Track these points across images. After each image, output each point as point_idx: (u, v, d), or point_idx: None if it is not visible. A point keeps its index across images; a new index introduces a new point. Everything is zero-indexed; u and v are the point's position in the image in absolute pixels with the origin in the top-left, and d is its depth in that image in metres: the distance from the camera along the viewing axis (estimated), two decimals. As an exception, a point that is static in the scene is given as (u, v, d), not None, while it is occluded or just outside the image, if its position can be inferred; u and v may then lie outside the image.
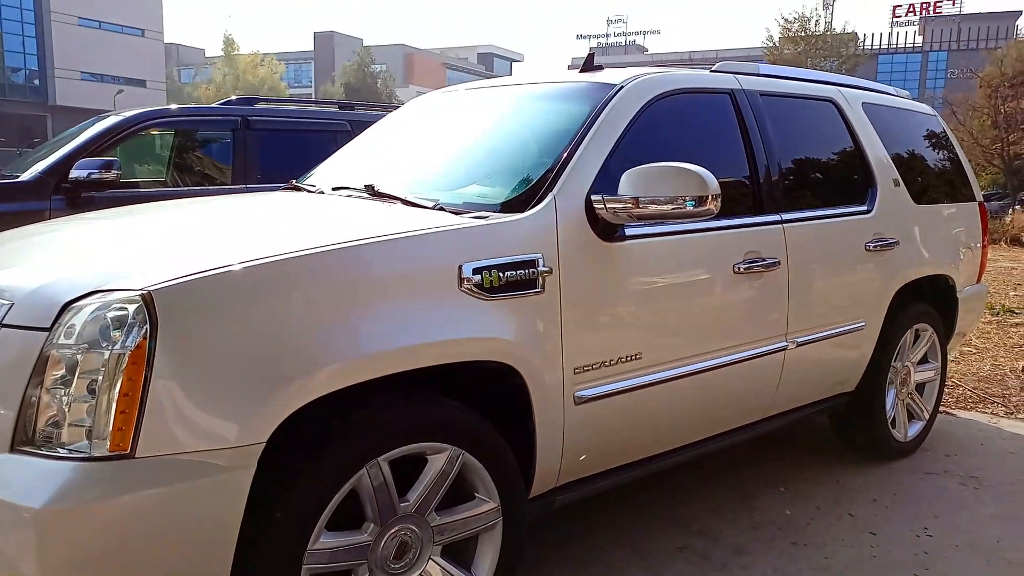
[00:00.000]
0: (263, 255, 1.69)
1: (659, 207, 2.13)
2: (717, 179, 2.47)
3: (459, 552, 2.01)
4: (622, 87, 2.48)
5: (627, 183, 2.15)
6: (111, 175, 4.11)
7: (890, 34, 70.23)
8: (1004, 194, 28.69)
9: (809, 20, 40.89)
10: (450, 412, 1.92)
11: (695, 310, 2.49)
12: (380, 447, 1.77)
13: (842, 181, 3.24)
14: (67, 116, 34.88)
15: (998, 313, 6.79)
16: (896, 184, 3.35)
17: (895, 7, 68.61)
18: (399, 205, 2.29)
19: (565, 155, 2.26)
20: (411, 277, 1.86)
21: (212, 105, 5.08)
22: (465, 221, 2.04)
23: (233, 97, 5.37)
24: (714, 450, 2.78)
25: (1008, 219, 16.00)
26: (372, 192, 2.43)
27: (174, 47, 69.17)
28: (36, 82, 45.65)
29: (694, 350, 2.48)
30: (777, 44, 42.20)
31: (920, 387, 3.66)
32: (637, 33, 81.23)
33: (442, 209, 2.16)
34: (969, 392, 4.58)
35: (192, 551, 1.56)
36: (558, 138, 2.36)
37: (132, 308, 1.52)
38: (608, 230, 2.23)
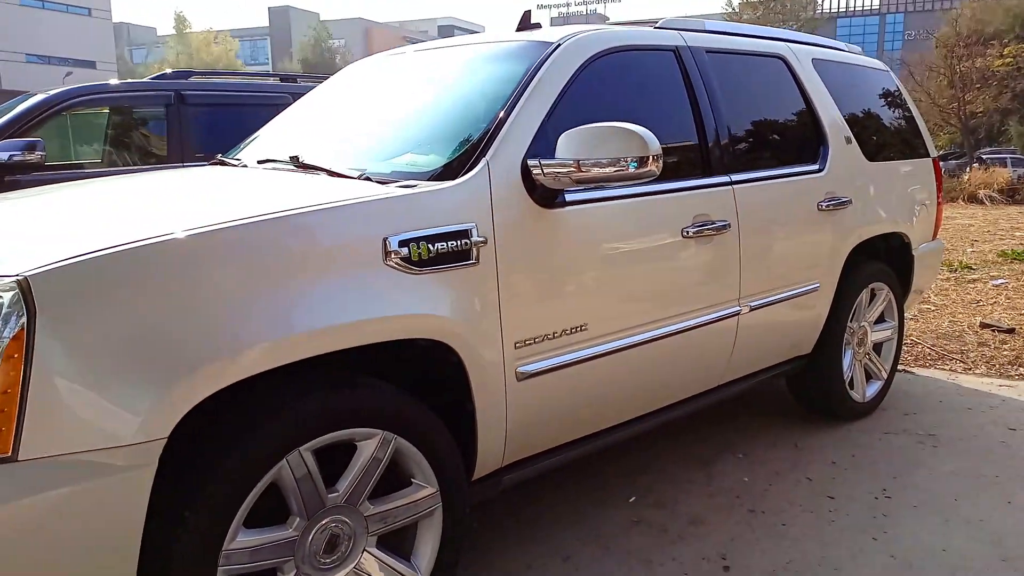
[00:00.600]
0: (159, 234, 1.54)
1: (601, 170, 2.01)
2: (662, 140, 2.37)
3: (397, 541, 1.91)
4: (559, 45, 2.35)
5: (564, 146, 2.03)
6: (35, 157, 3.87)
7: (848, -3, 70.55)
8: (961, 153, 29.13)
9: (766, -17, 40.87)
10: (379, 395, 1.80)
11: (642, 277, 2.39)
12: (300, 436, 1.65)
13: (793, 140, 3.15)
14: (13, 101, 33.58)
15: (956, 270, 6.83)
16: (848, 142, 3.28)
17: (852, -31, 68.89)
18: (323, 176, 2.15)
19: (499, 118, 2.13)
20: (329, 253, 1.72)
21: (144, 80, 4.83)
22: (390, 191, 1.90)
23: (168, 71, 5.12)
24: (669, 420, 2.70)
25: (965, 177, 16.20)
26: (297, 164, 2.29)
27: (124, 26, 67.05)
28: (-23, 66, 43.91)
29: (643, 319, 2.39)
30: (736, 9, 42.18)
31: (877, 347, 3.63)
32: (597, 1, 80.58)
33: (368, 179, 2.02)
34: (928, 350, 4.58)
35: (90, 559, 1.43)
36: (492, 101, 2.23)
37: (7, 296, 1.37)
38: (547, 196, 2.11)
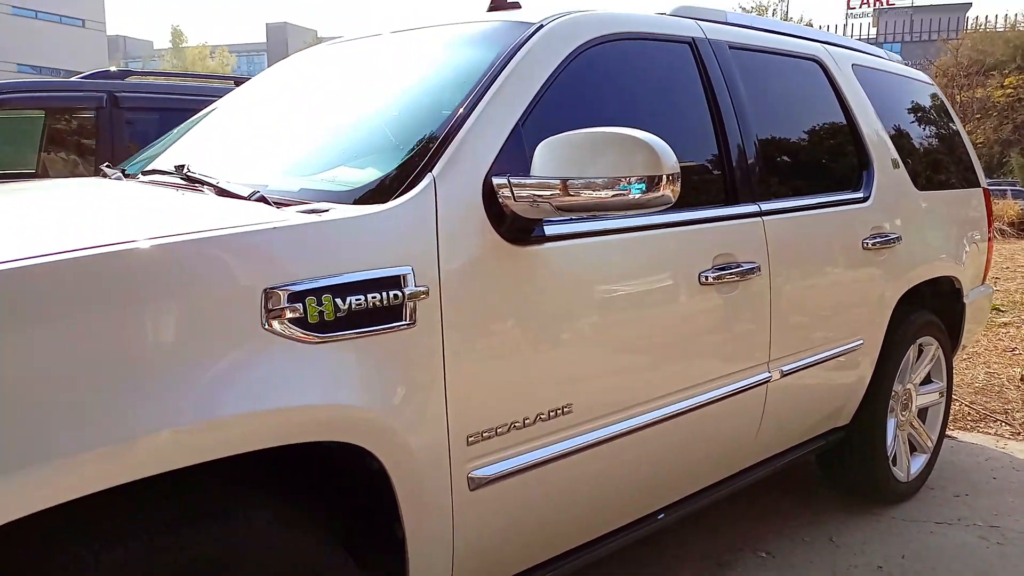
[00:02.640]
0: None
1: (594, 193, 1.41)
2: (677, 157, 1.78)
3: None
4: (541, 27, 1.76)
5: (543, 159, 1.44)
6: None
7: (845, 26, 70.97)
8: (961, 184, 28.79)
9: (767, 9, 40.83)
10: (245, 531, 1.18)
11: (647, 339, 1.78)
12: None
13: (832, 161, 2.56)
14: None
15: (982, 311, 6.26)
16: (895, 166, 2.70)
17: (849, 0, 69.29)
18: (208, 194, 1.54)
19: (454, 121, 1.53)
20: (163, 313, 1.11)
21: (72, 79, 4.24)
22: (285, 217, 1.30)
23: (112, 68, 4.52)
24: (676, 520, 2.08)
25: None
26: (183, 176, 1.68)
27: (120, 39, 66.87)
28: (-31, 74, 43.36)
29: (647, 395, 1.78)
30: (736, 35, 42.17)
31: (922, 413, 3.03)
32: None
33: (262, 199, 1.42)
34: (967, 408, 3.97)
35: None
36: (448, 99, 1.63)
37: None
38: (519, 229, 1.51)
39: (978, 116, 27.91)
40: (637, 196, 1.41)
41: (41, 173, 4.44)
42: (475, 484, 1.46)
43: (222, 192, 1.51)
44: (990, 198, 3.37)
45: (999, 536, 2.63)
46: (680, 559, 2.44)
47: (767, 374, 2.12)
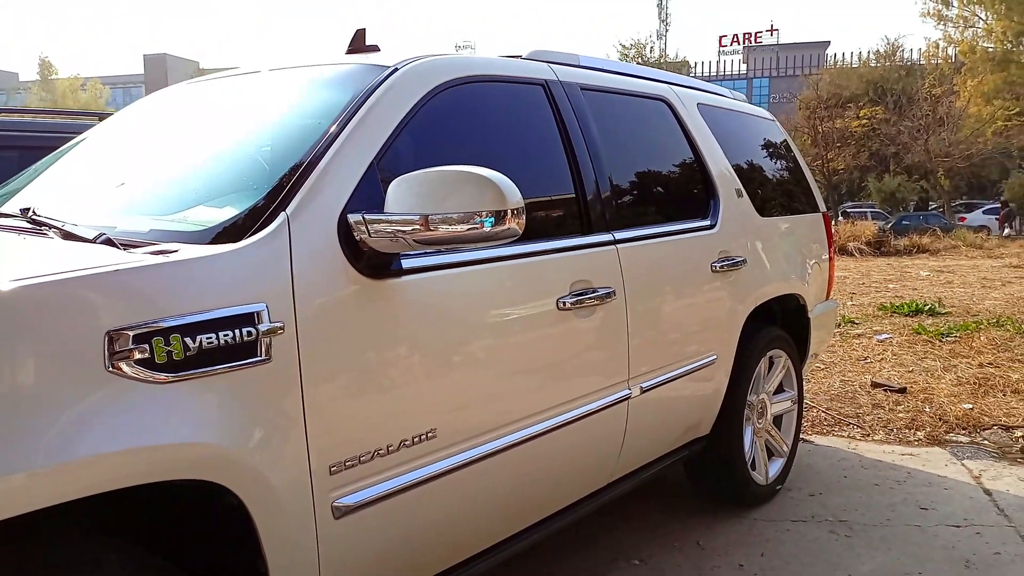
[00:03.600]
0: None
1: (450, 228, 1.50)
2: (530, 191, 1.92)
3: None
4: (396, 70, 1.85)
5: (395, 196, 1.52)
6: None
7: (718, 62, 75.45)
8: (826, 206, 31.02)
9: (645, 46, 42.86)
10: (98, 569, 1.18)
11: (509, 363, 1.88)
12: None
13: (681, 193, 2.78)
14: None
15: (840, 324, 6.78)
16: (739, 195, 2.95)
17: (721, 37, 73.77)
18: (54, 237, 1.52)
19: (307, 159, 1.59)
20: (14, 355, 1.11)
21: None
22: (131, 259, 1.31)
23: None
24: (543, 537, 2.17)
25: (834, 230, 16.97)
26: (28, 218, 1.65)
27: (-20, 70, 62.40)
28: None
29: (510, 416, 1.87)
30: (617, 69, 43.93)
31: (777, 420, 3.27)
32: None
33: (109, 241, 1.42)
34: (823, 414, 4.31)
35: None
36: (303, 138, 1.69)
37: None
38: (377, 263, 1.58)
39: (838, 145, 30.29)
40: (488, 229, 1.51)
41: None
42: (340, 512, 1.50)
43: (67, 235, 1.50)
44: (830, 221, 3.72)
45: (847, 529, 2.88)
46: (554, 572, 2.53)
47: (627, 391, 2.26)
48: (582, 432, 2.11)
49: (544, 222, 2.11)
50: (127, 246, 1.40)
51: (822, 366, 5.38)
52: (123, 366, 1.20)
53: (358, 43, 2.10)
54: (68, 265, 1.24)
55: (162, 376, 1.23)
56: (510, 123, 2.14)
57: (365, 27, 2.10)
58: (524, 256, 1.93)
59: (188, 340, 1.26)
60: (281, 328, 1.40)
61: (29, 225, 1.62)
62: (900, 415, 4.26)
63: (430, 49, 2.04)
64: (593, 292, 2.10)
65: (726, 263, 2.72)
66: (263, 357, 1.37)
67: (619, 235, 2.27)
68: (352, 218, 1.54)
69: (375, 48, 2.12)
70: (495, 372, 1.84)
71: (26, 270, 1.21)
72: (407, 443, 1.63)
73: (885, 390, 4.72)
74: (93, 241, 1.42)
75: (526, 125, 2.17)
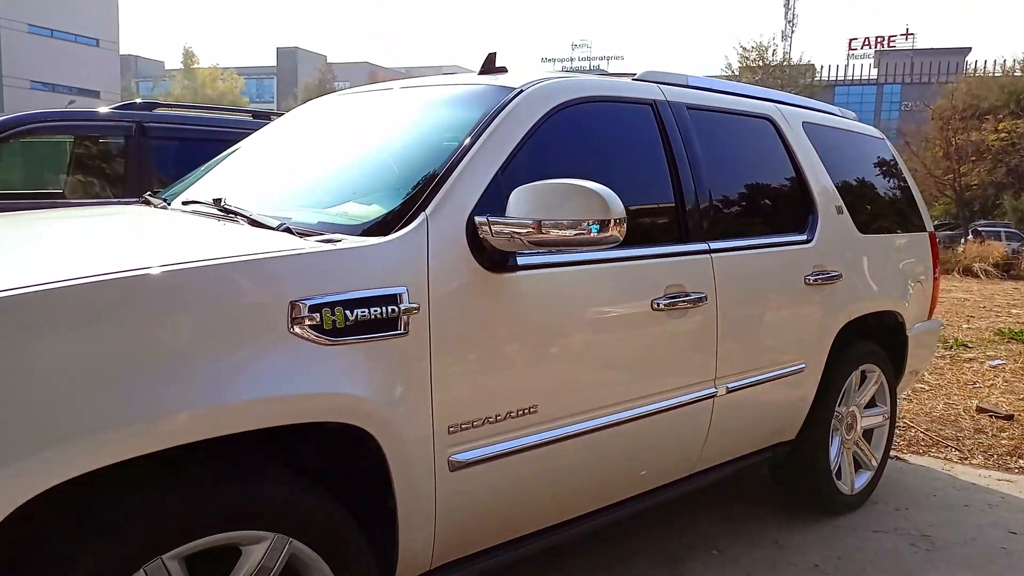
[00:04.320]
0: (11, 288, 1.27)
1: (560, 232, 1.76)
2: (634, 201, 2.16)
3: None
4: (522, 91, 2.12)
5: (516, 203, 1.79)
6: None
7: (846, 66, 72.08)
8: (955, 224, 29.22)
9: (767, 49, 41.59)
10: (272, 489, 1.51)
11: (604, 354, 2.12)
12: (163, 542, 1.35)
13: (779, 208, 2.92)
14: (13, 126, 33.61)
15: (951, 347, 6.58)
16: (839, 212, 3.05)
17: (851, 39, 70.54)
18: (241, 224, 1.89)
19: (444, 168, 1.89)
20: (218, 317, 1.45)
21: (105, 109, 4.61)
22: (307, 245, 1.64)
23: (138, 100, 4.91)
24: (631, 514, 2.40)
25: (960, 249, 16.10)
26: (219, 208, 2.03)
27: (132, 58, 67.89)
28: (-17, 90, 44.18)
29: (603, 401, 2.11)
30: (736, 72, 42.83)
31: (868, 433, 3.34)
32: (601, 58, 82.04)
33: (288, 230, 1.76)
34: (922, 435, 4.29)
35: None
36: (441, 149, 1.99)
37: None
38: (496, 259, 1.85)
39: (973, 159, 28.47)
40: (593, 235, 1.76)
41: (69, 193, 4.81)
42: (454, 466, 1.78)
43: (254, 223, 1.86)
44: (936, 241, 3.72)
45: (928, 544, 2.94)
46: (639, 554, 2.75)
47: (713, 389, 2.44)
48: (667, 423, 2.32)
49: (644, 230, 2.33)
50: (302, 234, 1.73)
51: (927, 388, 5.29)
52: (298, 329, 1.52)
53: (488, 65, 2.39)
54: (261, 247, 1.58)
55: (326, 339, 1.55)
56: (619, 139, 2.37)
57: (496, 51, 2.38)
58: (624, 260, 2.16)
59: (347, 312, 1.58)
60: (417, 309, 1.69)
61: (221, 213, 2.00)
62: (1003, 442, 4.19)
63: (550, 71, 2.30)
64: (686, 296, 2.30)
65: (820, 277, 2.84)
66: (402, 331, 1.67)
67: (714, 245, 2.46)
68: (478, 219, 1.82)
69: (503, 69, 2.40)
70: (592, 361, 2.09)
71: (231, 249, 1.56)
72: (512, 415, 1.90)
73: (991, 416, 4.62)
74: (276, 229, 1.77)
75: (634, 141, 2.40)
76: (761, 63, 42.30)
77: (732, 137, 2.76)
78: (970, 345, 6.72)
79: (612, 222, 1.75)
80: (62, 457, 1.22)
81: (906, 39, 70.12)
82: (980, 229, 22.23)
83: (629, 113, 2.39)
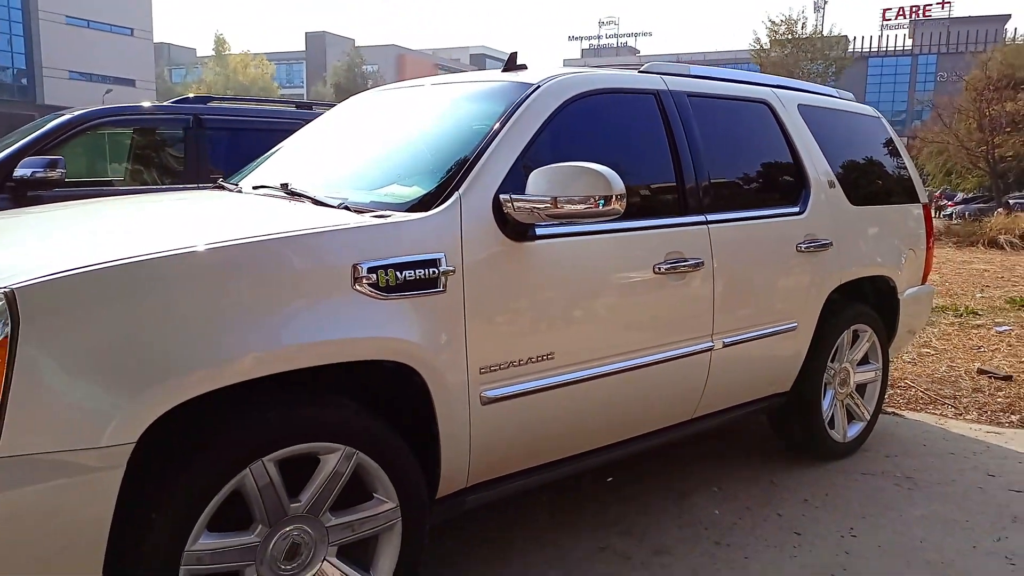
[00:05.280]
0: (141, 254, 1.68)
1: (573, 206, 2.12)
2: (638, 180, 2.52)
3: (358, 552, 2.00)
4: (539, 87, 2.48)
5: (534, 183, 2.15)
6: (55, 174, 4.07)
7: (880, 37, 70.62)
8: (989, 196, 28.83)
9: (796, 22, 41.01)
10: (343, 412, 1.91)
11: (611, 310, 2.48)
12: (263, 448, 1.76)
13: (774, 183, 3.24)
14: (54, 115, 34.74)
15: (961, 315, 6.81)
16: (831, 186, 3.36)
17: (885, 10, 69.08)
18: (307, 204, 2.28)
19: (474, 154, 2.26)
20: (303, 276, 1.85)
21: (164, 104, 5.06)
22: (364, 220, 2.03)
23: (190, 95, 5.34)
24: (639, 451, 2.78)
25: (989, 221, 16.06)
26: (286, 191, 2.43)
27: (165, 46, 69.01)
28: (24, 81, 45.45)
29: (610, 350, 2.48)
30: (766, 47, 42.34)
31: (861, 388, 3.67)
32: (629, 35, 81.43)
33: (347, 208, 2.16)
34: (921, 393, 4.59)
35: (59, 552, 1.55)
36: (471, 137, 2.36)
37: (-4, 306, 1.51)
38: (518, 230, 2.22)
39: (1007, 130, 27.97)
40: (600, 208, 2.12)
41: (129, 181, 5.28)
42: (485, 401, 2.17)
43: (317, 203, 2.25)
44: (930, 211, 4.01)
45: (911, 484, 3.28)
46: (647, 490, 3.13)
47: (710, 343, 2.80)
48: (669, 372, 2.68)
49: (647, 204, 2.68)
50: (359, 211, 2.12)
51: (933, 352, 5.57)
52: (358, 287, 1.92)
53: (511, 64, 2.75)
54: (328, 222, 1.98)
55: (381, 295, 1.94)
56: (625, 126, 2.72)
57: (516, 51, 2.74)
58: (629, 230, 2.52)
59: (397, 273, 1.96)
60: (453, 271, 2.07)
61: (288, 195, 2.39)
62: (999, 400, 4.48)
63: (565, 68, 2.65)
64: (684, 261, 2.65)
65: (812, 244, 3.17)
66: (441, 290, 2.05)
67: (711, 217, 2.80)
68: (502, 197, 2.19)
69: (524, 67, 2.75)
70: (600, 316, 2.46)
71: (306, 223, 1.95)
72: (532, 360, 2.28)
73: (990, 377, 4.89)
74: (337, 207, 2.17)
75: (638, 127, 2.75)
76: (791, 36, 41.77)
77: (730, 120, 3.09)
78: (980, 312, 6.94)
79: (614, 197, 2.11)
80: (193, 380, 1.63)
81: (942, 7, 68.41)
82: (1012, 201, 22.00)
83: (634, 102, 2.74)
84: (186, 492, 1.66)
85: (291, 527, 1.85)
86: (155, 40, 54.24)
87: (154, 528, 1.64)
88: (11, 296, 1.51)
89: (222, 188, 2.83)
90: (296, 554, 1.87)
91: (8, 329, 1.49)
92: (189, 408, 1.66)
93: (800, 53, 41.40)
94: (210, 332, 1.68)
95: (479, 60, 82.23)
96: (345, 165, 2.71)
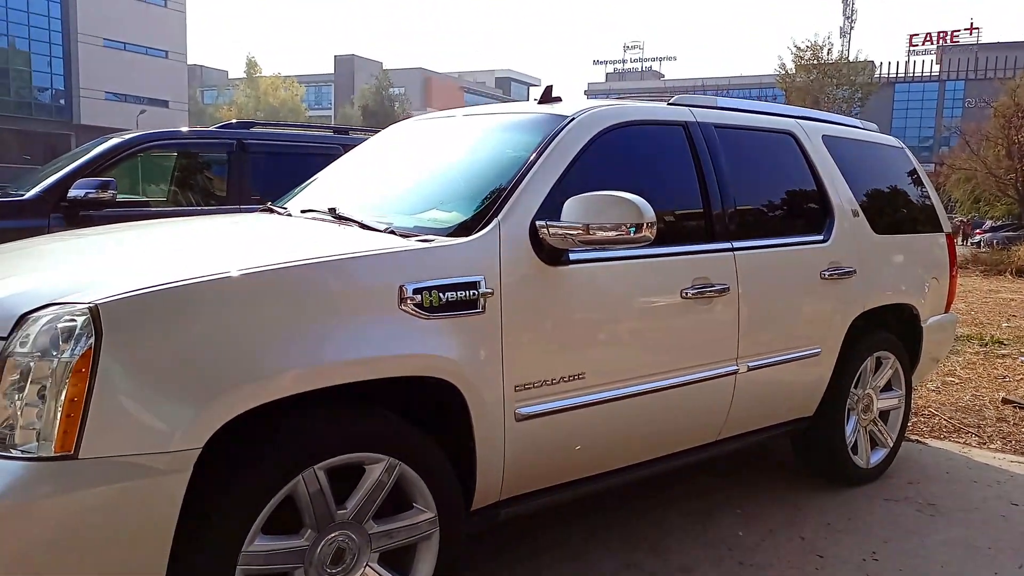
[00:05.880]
0: (208, 273, 1.82)
1: (605, 233, 2.24)
2: (667, 208, 2.63)
3: (397, 559, 2.11)
4: (573, 119, 2.61)
5: (569, 210, 2.27)
6: (107, 195, 4.28)
7: (907, 63, 70.35)
8: (1017, 224, 28.49)
9: (822, 48, 41.04)
10: (388, 425, 2.03)
11: (640, 333, 2.59)
12: (316, 456, 1.88)
13: (799, 211, 3.34)
14: (91, 135, 35.65)
15: (987, 344, 6.80)
16: (855, 215, 3.45)
17: (912, 36, 68.87)
18: (355, 228, 2.42)
19: (512, 183, 2.39)
20: (353, 295, 1.98)
21: (210, 128, 5.27)
22: (410, 244, 2.16)
23: (233, 120, 5.57)
24: (665, 471, 2.86)
25: (1017, 249, 15.92)
26: (334, 215, 2.57)
27: (198, 68, 70.63)
28: (62, 101, 46.80)
29: (639, 371, 2.58)
30: (790, 71, 42.36)
31: (884, 415, 3.72)
32: (653, 59, 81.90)
33: (392, 232, 2.29)
34: (945, 421, 4.61)
35: (130, 548, 1.68)
36: (509, 167, 2.49)
37: (80, 320, 1.65)
38: (553, 255, 2.34)
39: (1036, 157, 27.72)
40: (632, 235, 2.24)
41: (172, 203, 5.49)
42: (519, 418, 2.28)
43: (365, 227, 2.39)
44: (953, 242, 4.07)
45: (933, 510, 3.32)
46: (672, 509, 3.20)
47: (735, 367, 2.89)
48: (694, 394, 2.77)
49: (675, 231, 2.79)
50: (404, 235, 2.25)
51: (957, 380, 5.58)
52: (404, 307, 2.04)
53: (546, 96, 2.89)
54: (377, 245, 2.11)
55: (424, 315, 2.06)
56: (655, 156, 2.85)
57: (552, 84, 2.88)
58: (657, 256, 2.63)
59: (440, 294, 2.09)
60: (491, 293, 2.20)
61: (336, 219, 2.54)
62: (1023, 430, 4.48)
63: (599, 101, 2.79)
64: (711, 286, 2.75)
65: (835, 272, 3.25)
66: (480, 310, 2.17)
67: (737, 244, 2.90)
68: (538, 223, 2.31)
69: (559, 99, 2.89)
70: (630, 338, 2.56)
71: (356, 247, 2.09)
72: (564, 379, 2.38)
73: (1015, 406, 4.90)
74: (383, 231, 2.30)
75: (668, 157, 2.87)
76: (816, 62, 41.79)
77: (756, 150, 3.20)
78: (1006, 342, 6.93)
79: (645, 225, 2.23)
80: (257, 390, 1.76)
81: (970, 34, 68.13)
82: (1042, 230, 21.74)
83: (664, 133, 2.86)
84: (245, 496, 1.78)
85: (337, 532, 1.96)
86: (189, 62, 55.57)
87: (214, 529, 1.76)
88: (95, 311, 1.65)
89: (271, 211, 2.99)
90: (341, 559, 1.98)
91: (92, 341, 1.63)
92: (250, 419, 1.78)
93: (826, 79, 41.40)
94: (275, 346, 1.81)
95: (504, 83, 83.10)
96: (388, 191, 2.85)
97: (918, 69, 70.29)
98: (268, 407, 1.81)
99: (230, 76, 72.24)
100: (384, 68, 65.73)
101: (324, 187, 3.13)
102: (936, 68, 69.24)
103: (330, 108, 68.82)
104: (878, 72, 56.75)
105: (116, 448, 1.64)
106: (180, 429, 1.68)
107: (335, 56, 72.51)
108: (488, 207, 2.33)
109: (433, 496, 2.11)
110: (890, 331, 3.67)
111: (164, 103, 49.57)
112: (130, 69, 47.44)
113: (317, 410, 1.93)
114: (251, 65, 57.80)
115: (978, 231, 31.13)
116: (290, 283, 1.90)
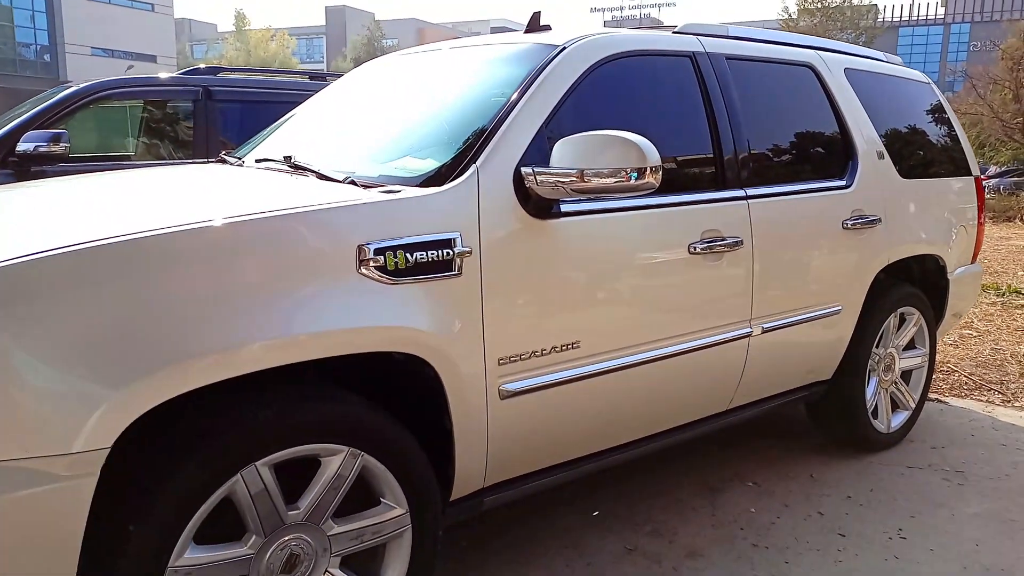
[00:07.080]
0: (121, 234, 1.49)
1: (601, 180, 1.90)
2: (672, 151, 2.29)
3: (364, 562, 1.83)
4: (564, 48, 2.24)
5: (559, 154, 1.93)
6: (59, 148, 3.92)
7: (911, 5, 68.65)
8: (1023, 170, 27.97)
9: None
10: (346, 409, 1.73)
11: (643, 294, 2.27)
12: (256, 450, 1.58)
13: (819, 154, 2.99)
14: (76, 92, 34.77)
15: (1004, 294, 6.49)
16: (880, 157, 3.10)
17: (917, -23, 66.99)
18: (311, 178, 2.08)
19: (492, 123, 2.04)
20: (298, 258, 1.65)
21: (172, 75, 4.87)
22: (370, 196, 1.83)
23: (201, 66, 5.16)
24: (671, 444, 2.57)
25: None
26: (290, 164, 2.23)
27: (186, 22, 68.93)
28: (47, 57, 45.57)
29: (641, 338, 2.27)
30: (794, 16, 41.31)
31: (906, 375, 3.43)
32: (652, 5, 79.88)
33: (353, 183, 1.95)
34: (965, 378, 4.33)
35: (28, 567, 1.39)
36: (490, 105, 2.14)
37: (-50, 295, 1.33)
38: (541, 206, 2.01)
39: (1045, 100, 27.01)
40: (633, 182, 1.90)
41: (139, 155, 5.11)
42: (504, 395, 1.97)
43: (322, 177, 2.05)
44: (982, 186, 3.72)
45: (961, 479, 3.05)
46: (677, 485, 2.93)
47: (748, 329, 2.57)
48: (703, 361, 2.46)
49: (681, 178, 2.45)
50: (366, 186, 1.92)
51: (975, 334, 5.29)
52: (364, 271, 1.72)
53: (533, 24, 2.51)
54: (331, 198, 1.78)
55: (389, 279, 1.74)
56: (659, 91, 2.48)
57: (540, 10, 2.50)
58: (662, 206, 2.29)
59: (407, 255, 1.76)
60: (469, 252, 1.87)
61: (292, 169, 2.19)
62: (1050, 386, 4.21)
63: (594, 29, 2.41)
64: (722, 240, 2.42)
65: (859, 221, 2.92)
66: (456, 272, 1.85)
67: (751, 191, 2.56)
68: (524, 170, 1.97)
69: (547, 28, 2.51)
70: (631, 301, 2.24)
71: (305, 200, 1.75)
72: (556, 349, 2.07)
73: (1039, 361, 4.62)
74: (342, 182, 1.96)
75: (673, 93, 2.50)
76: (819, 6, 40.68)
77: (772, 85, 2.83)
78: (1023, 292, 6.63)
79: (648, 170, 1.89)
80: (178, 375, 1.45)
81: (977, -26, 66.22)
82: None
83: (668, 65, 2.50)
84: (169, 502, 1.48)
85: (289, 536, 1.68)
86: (176, 16, 54.10)
87: (134, 542, 1.46)
88: (-31, 282, 1.33)
89: (223, 162, 2.64)
90: (295, 566, 1.70)
91: (-35, 320, 1.32)
92: (171, 409, 1.48)
93: (829, 22, 40.29)
94: (198, 322, 1.49)
95: (499, 33, 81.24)
96: (355, 136, 2.50)
97: (922, 12, 68.56)
98: (195, 395, 1.50)
99: (219, 30, 70.54)
100: (376, 19, 64.10)
101: (286, 134, 2.77)
102: (941, 11, 67.51)
103: (322, 61, 67.26)
104: (882, 15, 55.32)
105: (3, 452, 1.34)
106: (81, 425, 1.37)
107: (326, 7, 70.59)
108: (465, 152, 1.99)
109: (403, 489, 1.82)
110: (915, 285, 3.35)
111: (152, 58, 48.24)
112: (116, 23, 46.07)
113: (258, 396, 1.62)
114: (240, 18, 56.27)
115: (983, 177, 30.57)
116: (219, 245, 1.57)
